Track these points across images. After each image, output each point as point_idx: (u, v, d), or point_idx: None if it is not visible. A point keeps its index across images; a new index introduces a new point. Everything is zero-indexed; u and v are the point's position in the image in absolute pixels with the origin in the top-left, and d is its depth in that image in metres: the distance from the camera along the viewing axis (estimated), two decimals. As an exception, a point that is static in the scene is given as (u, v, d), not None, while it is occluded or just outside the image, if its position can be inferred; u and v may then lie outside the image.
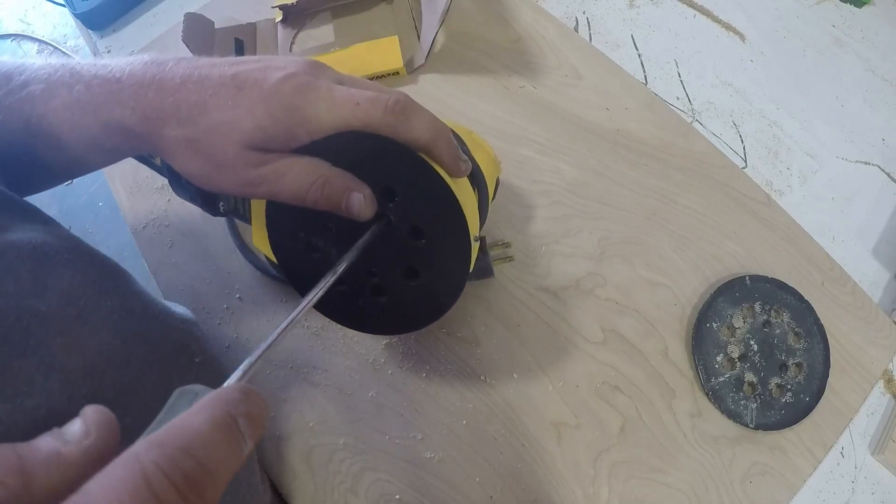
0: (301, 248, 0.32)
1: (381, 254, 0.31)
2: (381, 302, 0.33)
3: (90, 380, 0.27)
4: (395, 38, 0.54)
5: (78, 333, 0.27)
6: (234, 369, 0.22)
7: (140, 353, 0.30)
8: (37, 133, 0.30)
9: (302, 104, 0.28)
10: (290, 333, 0.45)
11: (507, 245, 0.46)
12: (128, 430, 0.17)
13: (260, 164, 0.28)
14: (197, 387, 0.19)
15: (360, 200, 0.29)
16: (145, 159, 0.40)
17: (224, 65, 0.29)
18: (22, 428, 0.23)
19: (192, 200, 0.38)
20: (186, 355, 0.35)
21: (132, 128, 0.29)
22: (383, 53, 0.54)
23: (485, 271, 0.44)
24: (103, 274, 0.31)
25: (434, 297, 0.32)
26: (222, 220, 0.51)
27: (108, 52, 0.63)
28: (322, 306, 0.34)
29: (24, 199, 0.31)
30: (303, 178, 0.29)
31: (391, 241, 0.31)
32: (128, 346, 0.30)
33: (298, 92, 0.28)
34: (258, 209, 0.35)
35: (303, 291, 0.33)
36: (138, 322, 0.31)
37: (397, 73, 0.54)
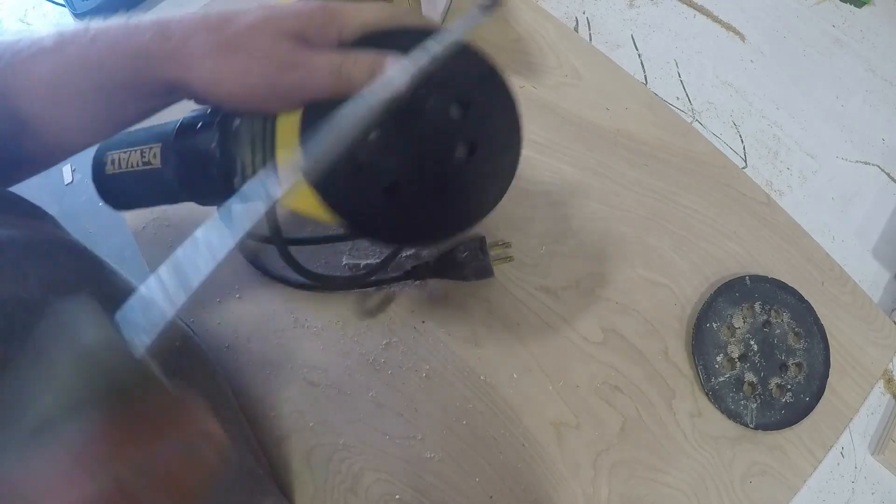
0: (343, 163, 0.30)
1: (415, 152, 0.29)
2: (391, 202, 0.29)
3: None
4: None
5: None
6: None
7: None
8: (14, 113, 0.30)
9: (332, 9, 0.29)
10: (290, 333, 0.45)
11: (507, 245, 0.46)
12: None
13: (296, 51, 0.29)
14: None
15: (396, 62, 0.28)
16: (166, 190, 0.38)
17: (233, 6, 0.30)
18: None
19: (205, 193, 0.36)
20: (166, 339, 0.35)
21: (152, 53, 0.28)
22: None
23: (485, 271, 0.44)
24: (81, 263, 0.31)
25: (447, 218, 0.30)
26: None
27: (108, 51, 0.63)
28: (358, 213, 0.30)
29: (9, 189, 0.32)
30: (334, 57, 0.28)
31: (436, 123, 0.29)
32: None
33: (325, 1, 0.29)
34: (286, 131, 0.32)
35: (349, 215, 0.30)
36: (116, 307, 0.32)
37: None
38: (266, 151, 0.31)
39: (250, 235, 0.42)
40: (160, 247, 0.51)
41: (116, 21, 0.29)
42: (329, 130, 0.27)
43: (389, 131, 0.29)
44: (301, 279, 0.45)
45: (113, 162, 0.37)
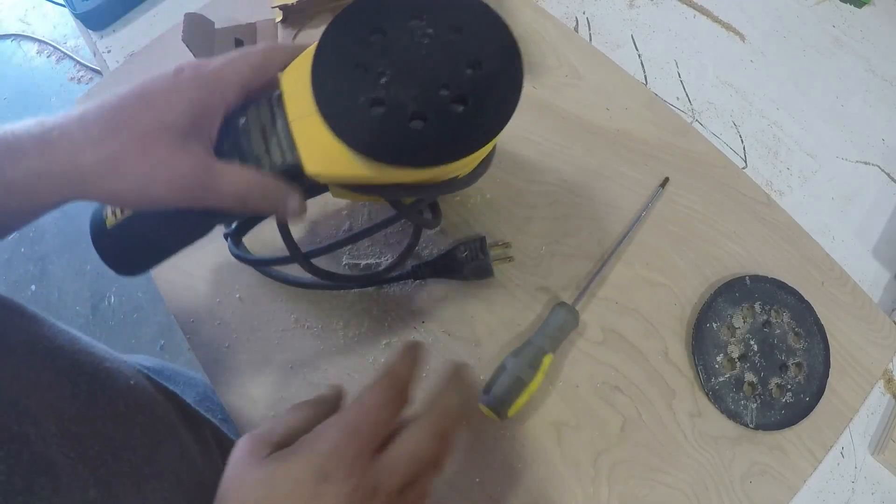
0: (365, 109, 0.31)
1: (429, 75, 0.31)
2: (418, 128, 0.30)
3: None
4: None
5: None
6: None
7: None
8: None
9: (206, 75, 0.30)
10: (290, 333, 0.45)
11: (507, 245, 0.46)
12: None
13: (202, 165, 0.29)
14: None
15: (296, 203, 0.31)
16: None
17: (109, 96, 0.29)
18: None
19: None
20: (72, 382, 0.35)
21: (39, 173, 0.27)
22: None
23: (484, 271, 0.44)
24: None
25: (476, 128, 0.31)
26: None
27: (109, 52, 0.63)
28: (356, 131, 0.31)
29: None
30: (243, 182, 0.30)
31: (443, 65, 0.31)
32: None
33: (196, 71, 0.30)
34: (297, 106, 0.32)
35: (383, 154, 0.30)
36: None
37: None
38: (281, 136, 0.32)
39: (271, 262, 0.42)
40: (160, 247, 0.51)
41: None
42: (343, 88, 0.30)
43: (399, 68, 0.31)
44: (300, 278, 0.45)
45: (113, 213, 0.34)
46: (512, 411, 0.39)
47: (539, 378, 0.40)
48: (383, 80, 0.30)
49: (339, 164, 0.31)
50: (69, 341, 0.37)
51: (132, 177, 0.28)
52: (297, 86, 0.31)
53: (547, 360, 0.40)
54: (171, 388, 0.44)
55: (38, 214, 0.30)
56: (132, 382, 0.40)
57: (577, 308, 0.43)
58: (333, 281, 0.42)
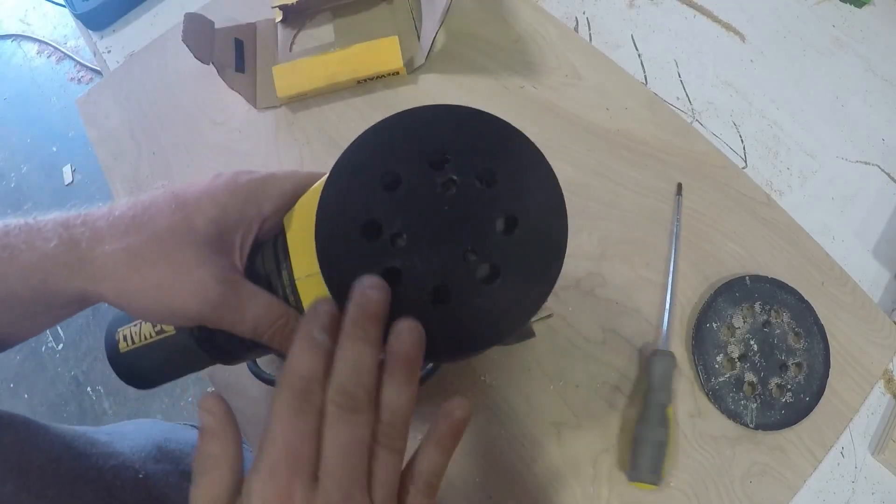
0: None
1: (454, 238, 0.25)
2: (440, 312, 0.25)
3: None
4: (395, 38, 0.54)
5: None
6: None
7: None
8: None
9: (244, 184, 0.28)
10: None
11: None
12: None
13: (221, 280, 0.26)
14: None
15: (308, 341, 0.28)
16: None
17: (143, 195, 0.28)
18: None
19: (229, 350, 0.32)
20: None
21: (57, 263, 0.25)
22: (383, 53, 0.54)
23: (526, 335, 0.40)
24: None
25: (501, 313, 0.26)
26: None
27: (109, 52, 0.63)
28: None
29: None
30: (266, 312, 0.27)
31: (471, 224, 0.26)
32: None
33: (234, 178, 0.28)
34: (297, 241, 0.29)
35: None
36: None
37: (397, 73, 0.54)
38: (287, 290, 0.29)
39: None
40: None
41: (17, 223, 0.26)
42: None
43: (417, 229, 0.25)
44: None
45: (125, 338, 0.33)
46: (664, 473, 0.40)
47: (674, 431, 0.40)
48: (399, 244, 0.25)
49: None
50: (66, 448, 0.36)
51: (151, 278, 0.25)
52: (300, 234, 0.28)
53: (670, 411, 0.40)
54: (180, 467, 0.43)
55: (55, 313, 0.28)
56: (141, 476, 0.39)
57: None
58: None
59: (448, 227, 0.25)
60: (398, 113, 0.27)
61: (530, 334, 0.41)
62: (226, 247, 0.27)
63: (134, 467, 0.39)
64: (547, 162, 0.26)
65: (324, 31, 0.58)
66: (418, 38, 0.56)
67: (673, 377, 0.42)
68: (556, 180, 0.26)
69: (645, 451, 0.39)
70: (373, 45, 0.54)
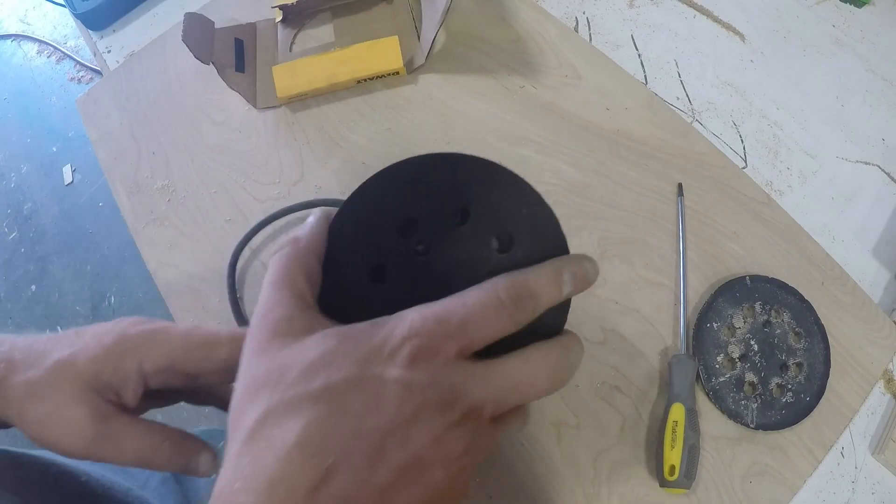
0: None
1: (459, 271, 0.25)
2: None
3: None
4: (395, 38, 0.54)
5: None
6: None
7: None
8: None
9: (132, 335, 0.28)
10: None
11: None
12: None
13: (100, 417, 0.27)
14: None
15: (208, 460, 0.30)
16: None
17: (63, 332, 0.29)
18: None
19: None
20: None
21: None
22: (383, 53, 0.54)
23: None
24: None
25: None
26: (223, 222, 0.51)
27: (109, 52, 0.63)
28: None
29: None
30: (147, 439, 0.28)
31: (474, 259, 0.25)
32: None
33: (129, 326, 0.29)
34: None
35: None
36: None
37: (397, 73, 0.54)
38: None
39: None
40: (160, 247, 0.51)
41: None
42: None
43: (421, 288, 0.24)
44: None
45: None
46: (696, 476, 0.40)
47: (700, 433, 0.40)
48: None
49: None
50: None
51: (38, 411, 0.27)
52: None
53: (696, 414, 0.41)
54: None
55: None
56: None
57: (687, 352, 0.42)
58: None
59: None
60: (398, 163, 0.25)
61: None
62: (105, 387, 0.28)
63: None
64: (560, 229, 0.25)
65: (324, 31, 0.58)
66: (418, 37, 0.56)
67: (694, 380, 0.42)
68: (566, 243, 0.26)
69: (682, 457, 0.39)
70: (373, 45, 0.54)
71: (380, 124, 0.53)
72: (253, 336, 0.22)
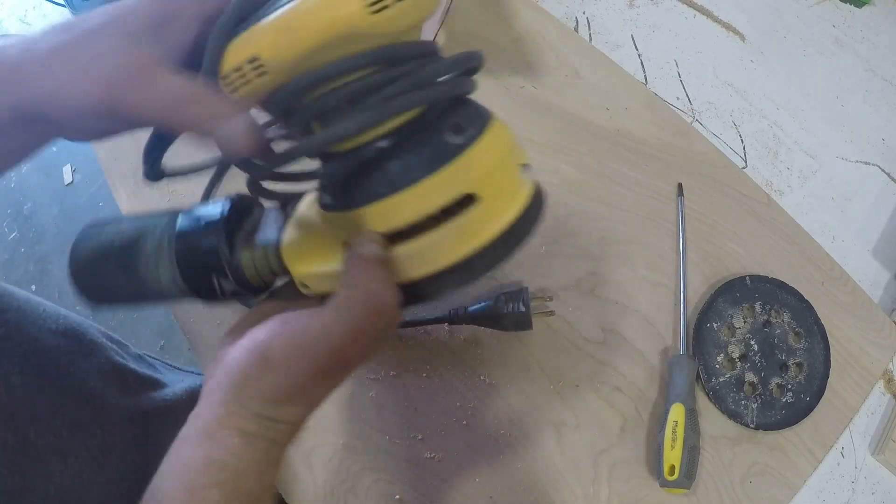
0: None
1: None
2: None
3: None
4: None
5: None
6: None
7: None
8: None
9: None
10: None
11: (549, 298, 0.45)
12: None
13: (135, 64, 0.25)
14: None
15: (241, 125, 0.25)
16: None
17: None
18: None
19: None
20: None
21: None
22: None
23: (524, 324, 0.42)
24: None
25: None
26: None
27: (109, 52, 0.63)
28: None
29: None
30: (176, 88, 0.25)
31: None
32: None
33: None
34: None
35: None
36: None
37: None
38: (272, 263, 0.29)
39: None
40: (160, 247, 0.51)
41: None
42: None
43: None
44: None
45: (97, 234, 0.32)
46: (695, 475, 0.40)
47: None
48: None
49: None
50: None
51: (68, 68, 0.24)
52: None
53: (696, 414, 0.41)
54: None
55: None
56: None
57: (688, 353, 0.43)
58: None
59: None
60: None
61: (528, 325, 0.42)
62: (154, 38, 0.26)
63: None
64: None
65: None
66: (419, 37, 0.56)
67: (694, 380, 0.42)
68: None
69: (683, 457, 0.39)
70: None
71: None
72: None
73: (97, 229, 0.32)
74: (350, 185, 0.25)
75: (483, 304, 0.43)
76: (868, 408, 0.44)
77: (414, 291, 0.25)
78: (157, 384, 0.44)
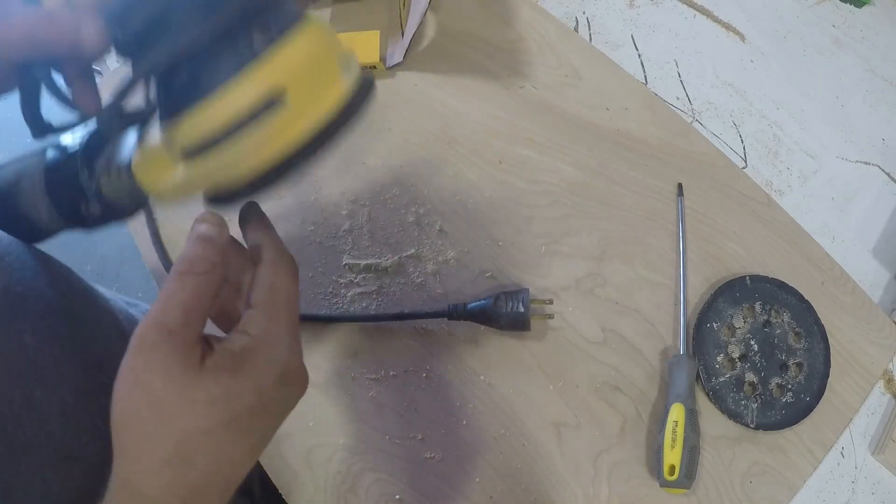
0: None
1: None
2: None
3: None
4: (377, 32, 0.53)
5: None
6: None
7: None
8: None
9: None
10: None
11: (549, 301, 0.44)
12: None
13: None
14: None
15: (93, 29, 0.26)
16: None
17: None
18: None
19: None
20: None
21: None
22: (362, 46, 0.53)
23: (522, 324, 0.42)
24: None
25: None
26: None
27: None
28: None
29: None
30: (28, 17, 0.25)
31: None
32: None
33: None
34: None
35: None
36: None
37: (374, 67, 0.54)
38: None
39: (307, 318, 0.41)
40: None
41: None
42: None
43: None
44: (325, 315, 0.45)
45: None
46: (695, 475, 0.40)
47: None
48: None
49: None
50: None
51: None
52: None
53: (696, 414, 0.41)
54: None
55: None
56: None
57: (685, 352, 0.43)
58: (363, 321, 0.43)
59: None
60: None
61: (525, 326, 0.42)
62: None
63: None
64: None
65: (321, 17, 0.58)
66: (402, 35, 0.56)
67: (694, 380, 0.42)
68: None
69: (683, 457, 0.39)
70: (354, 36, 0.53)
71: (381, 124, 0.53)
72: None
73: None
74: (172, 97, 0.26)
75: (482, 301, 0.43)
76: (868, 408, 0.44)
77: (233, 194, 0.27)
78: None
